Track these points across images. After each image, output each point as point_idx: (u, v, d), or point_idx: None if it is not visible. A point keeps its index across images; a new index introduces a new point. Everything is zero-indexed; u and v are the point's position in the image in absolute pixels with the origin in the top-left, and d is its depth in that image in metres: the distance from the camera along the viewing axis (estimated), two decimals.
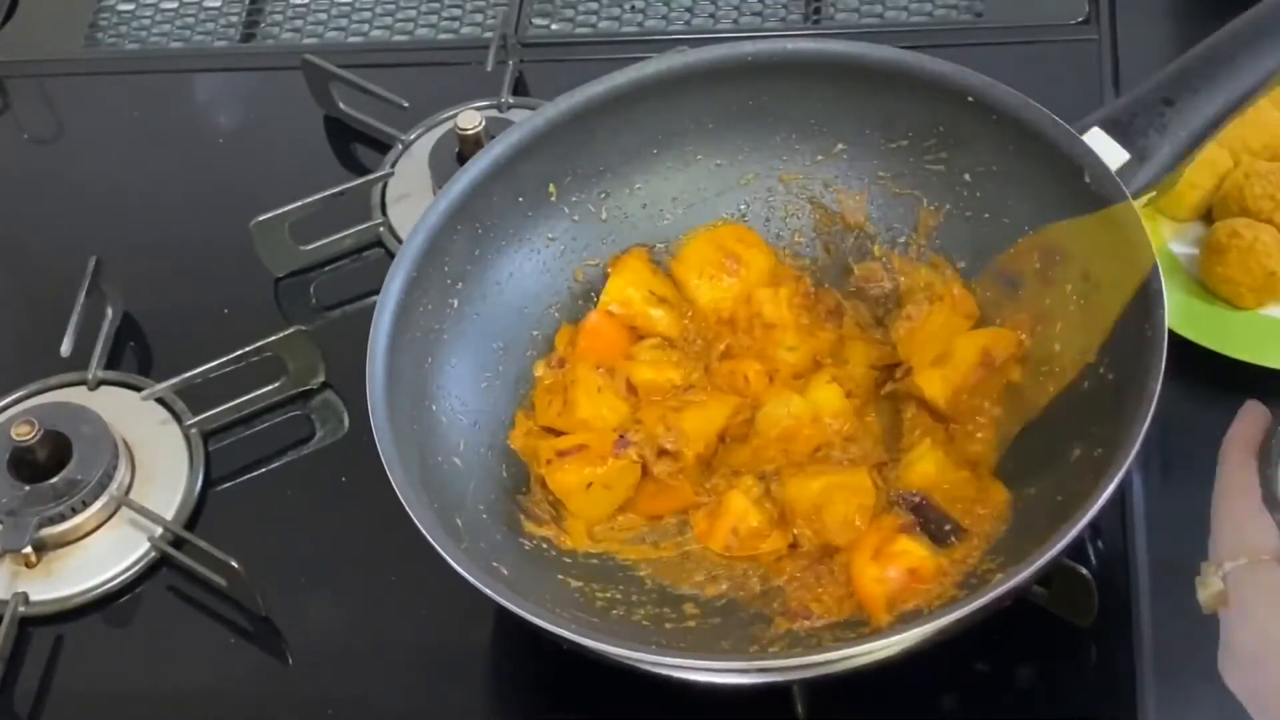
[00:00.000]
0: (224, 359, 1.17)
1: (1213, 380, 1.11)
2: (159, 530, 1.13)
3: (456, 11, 1.44)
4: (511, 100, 1.33)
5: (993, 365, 1.07)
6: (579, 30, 1.41)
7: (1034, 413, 1.06)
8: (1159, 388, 0.95)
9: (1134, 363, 0.98)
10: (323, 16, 1.46)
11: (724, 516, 1.04)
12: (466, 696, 1.06)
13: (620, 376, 1.11)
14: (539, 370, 1.13)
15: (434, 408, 1.08)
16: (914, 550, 1.01)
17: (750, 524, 1.03)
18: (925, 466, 1.06)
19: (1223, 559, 0.88)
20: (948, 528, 1.02)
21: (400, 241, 1.15)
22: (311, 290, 1.26)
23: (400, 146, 1.32)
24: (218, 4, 1.48)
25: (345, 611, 1.10)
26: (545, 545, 1.06)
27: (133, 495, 1.15)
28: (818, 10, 1.40)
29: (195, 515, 1.15)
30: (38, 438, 1.12)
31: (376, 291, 1.06)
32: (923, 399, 1.08)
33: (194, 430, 1.18)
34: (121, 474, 1.15)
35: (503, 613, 0.95)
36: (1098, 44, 1.32)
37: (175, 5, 1.48)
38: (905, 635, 0.91)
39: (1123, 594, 1.03)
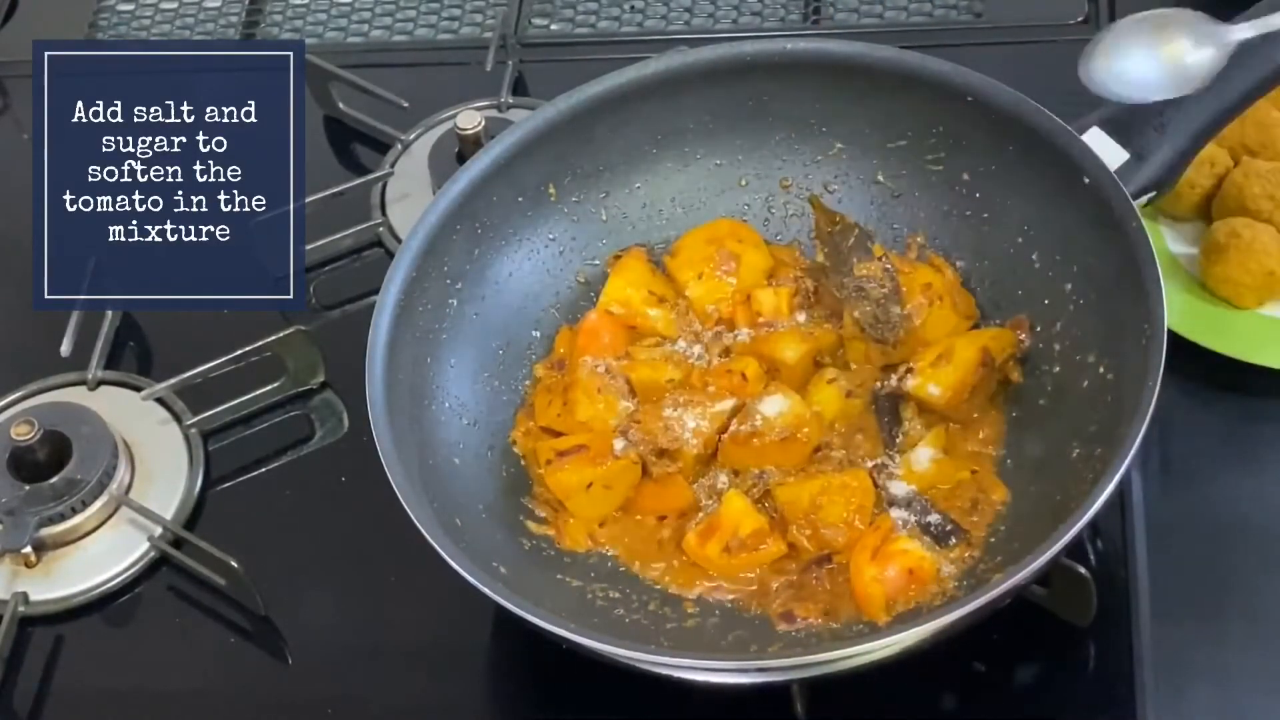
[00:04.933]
0: (224, 359, 1.17)
1: (1212, 380, 1.11)
2: (159, 530, 1.13)
3: (456, 11, 1.44)
4: (511, 100, 1.33)
5: (992, 365, 1.07)
6: (579, 30, 1.41)
7: (1034, 412, 1.07)
8: (1158, 387, 0.95)
9: (1134, 363, 0.98)
10: (323, 16, 1.46)
11: (718, 531, 1.04)
12: (466, 696, 1.06)
13: (619, 376, 1.11)
14: (539, 371, 1.13)
15: (434, 408, 1.08)
16: (913, 550, 1.01)
17: (748, 527, 1.03)
18: (925, 466, 1.06)
19: None
20: (948, 528, 1.02)
21: (400, 241, 1.15)
22: (311, 290, 1.26)
23: (400, 146, 1.32)
24: (218, 3, 1.48)
25: (345, 611, 1.10)
26: (545, 545, 1.06)
27: (132, 495, 1.15)
28: (817, 10, 1.40)
29: (195, 515, 1.15)
30: (37, 438, 1.12)
31: (376, 291, 1.06)
32: (923, 399, 1.08)
33: (194, 430, 1.18)
34: (121, 474, 1.15)
35: (503, 613, 0.95)
36: None
37: (175, 5, 1.48)
38: (905, 635, 0.91)
39: (1122, 594, 1.03)
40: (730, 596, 1.03)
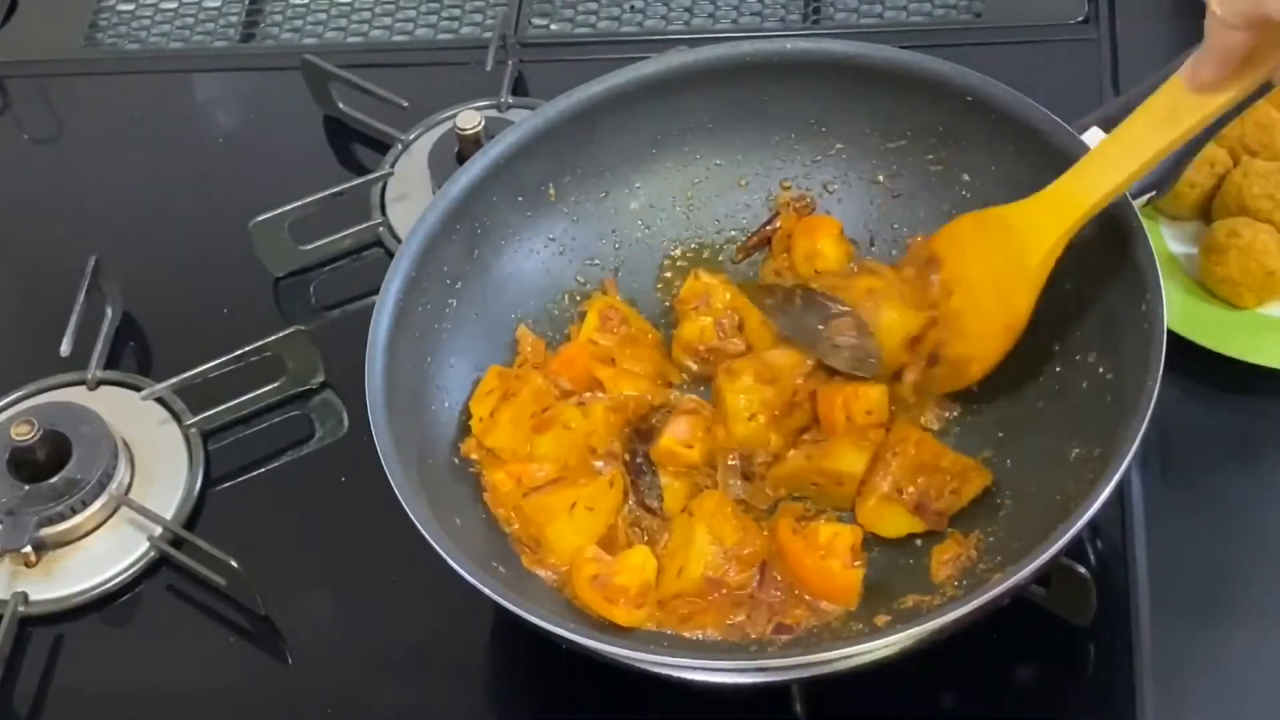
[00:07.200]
0: (224, 359, 1.17)
1: (1212, 380, 1.11)
2: (159, 530, 1.13)
3: (456, 11, 1.45)
4: (511, 100, 1.33)
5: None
6: (578, 30, 1.41)
7: (1034, 412, 1.06)
8: (1158, 387, 0.95)
9: (1133, 362, 0.98)
10: (322, 16, 1.46)
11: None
12: (466, 696, 1.06)
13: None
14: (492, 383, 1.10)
15: (434, 407, 1.08)
16: (839, 529, 1.01)
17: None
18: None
19: None
20: None
21: (399, 241, 1.15)
22: (311, 290, 1.27)
23: (400, 146, 1.32)
24: (218, 4, 1.48)
25: (345, 611, 1.10)
26: None
27: (132, 495, 1.15)
28: (817, 10, 1.40)
29: (195, 515, 1.15)
30: (37, 438, 1.12)
31: (376, 291, 1.06)
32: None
33: (194, 430, 1.18)
34: (121, 474, 1.15)
35: (503, 613, 0.95)
36: (1097, 44, 1.32)
37: (175, 5, 1.48)
38: (905, 635, 0.91)
39: (1121, 593, 1.03)
40: (718, 634, 1.02)
